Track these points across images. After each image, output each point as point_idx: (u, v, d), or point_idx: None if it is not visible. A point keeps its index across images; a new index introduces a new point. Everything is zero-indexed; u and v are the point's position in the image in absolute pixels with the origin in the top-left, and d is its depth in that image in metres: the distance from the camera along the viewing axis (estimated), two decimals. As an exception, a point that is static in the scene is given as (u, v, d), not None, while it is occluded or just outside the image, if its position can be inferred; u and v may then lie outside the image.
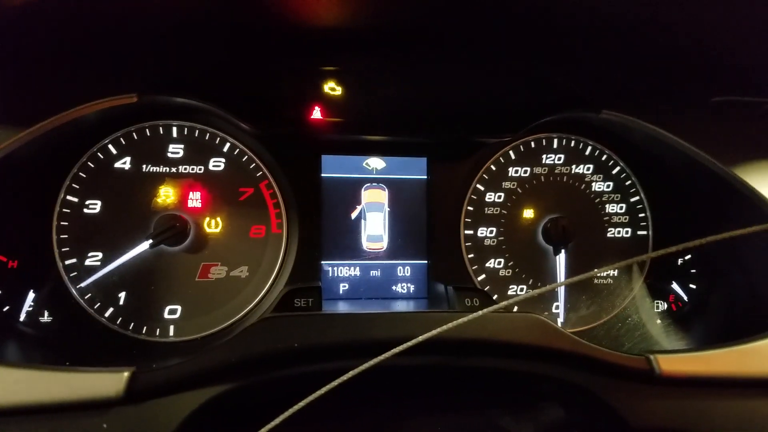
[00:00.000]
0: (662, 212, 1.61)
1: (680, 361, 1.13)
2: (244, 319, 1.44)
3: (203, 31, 1.25)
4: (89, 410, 0.95)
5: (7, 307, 1.28)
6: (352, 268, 1.53)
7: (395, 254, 1.55)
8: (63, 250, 1.37)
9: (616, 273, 1.59)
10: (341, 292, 1.52)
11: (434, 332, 0.96)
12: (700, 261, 1.55)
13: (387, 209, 1.55)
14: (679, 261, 1.58)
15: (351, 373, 0.90)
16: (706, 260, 1.53)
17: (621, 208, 1.61)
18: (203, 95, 1.33)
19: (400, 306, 1.48)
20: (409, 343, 0.94)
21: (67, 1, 1.00)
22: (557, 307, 1.56)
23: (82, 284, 1.37)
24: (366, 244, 1.54)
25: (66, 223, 1.37)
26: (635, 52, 1.32)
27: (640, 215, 1.62)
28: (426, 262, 1.55)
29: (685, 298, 1.57)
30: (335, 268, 1.52)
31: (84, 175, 1.38)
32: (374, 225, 1.54)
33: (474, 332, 1.06)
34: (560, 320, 1.55)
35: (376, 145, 1.53)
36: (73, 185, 1.38)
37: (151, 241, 1.35)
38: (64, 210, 1.37)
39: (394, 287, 1.54)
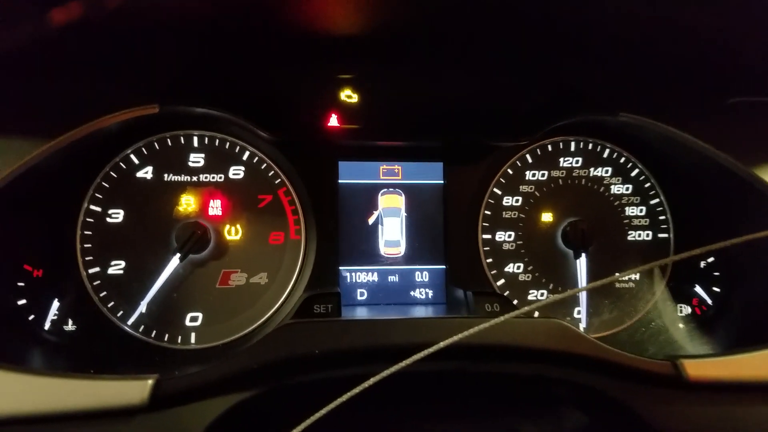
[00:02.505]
0: (683, 214, 1.59)
1: (707, 366, 1.11)
2: (264, 326, 1.45)
3: (221, 41, 1.26)
4: (114, 418, 0.96)
5: (32, 316, 1.31)
6: (370, 274, 1.53)
7: (413, 259, 1.55)
8: (86, 258, 1.39)
9: (637, 276, 1.58)
10: (360, 297, 1.52)
11: (456, 338, 0.95)
12: (723, 263, 1.53)
13: (404, 214, 1.55)
14: (702, 264, 1.56)
15: (372, 380, 0.91)
16: (729, 262, 1.51)
17: (641, 210, 1.60)
18: (223, 105, 1.34)
19: (419, 312, 1.48)
20: (431, 349, 0.94)
21: (89, 15, 1.02)
22: (579, 312, 1.55)
23: (130, 320, 1.40)
24: (383, 250, 1.54)
25: (89, 233, 1.39)
26: (652, 53, 1.31)
27: (661, 218, 1.60)
28: (444, 267, 1.55)
29: (709, 301, 1.54)
30: (353, 274, 1.53)
31: (107, 185, 1.41)
32: (391, 230, 1.54)
33: (496, 338, 1.06)
34: (582, 325, 1.54)
35: (393, 150, 1.54)
36: (97, 195, 1.40)
37: (179, 255, 1.37)
38: (87, 219, 1.39)
39: (412, 292, 1.54)
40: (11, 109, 1.18)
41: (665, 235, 1.60)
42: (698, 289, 1.56)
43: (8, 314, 1.26)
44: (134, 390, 0.96)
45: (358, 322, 1.15)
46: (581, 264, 1.52)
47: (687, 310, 1.57)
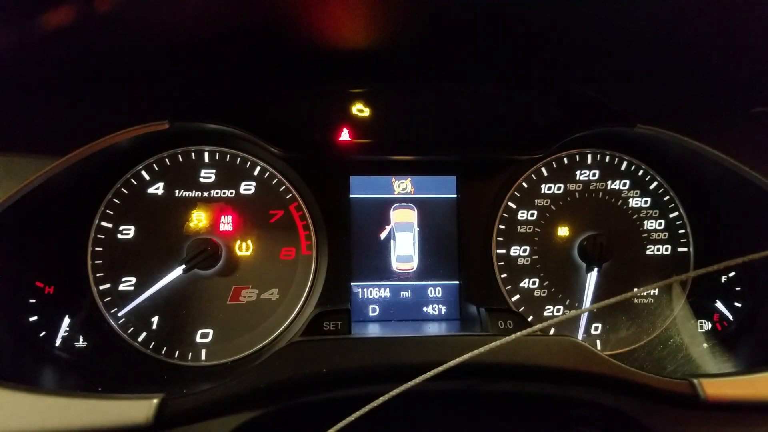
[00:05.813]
0: (703, 228, 1.55)
1: (726, 385, 1.07)
2: (274, 343, 1.44)
3: (233, 57, 1.26)
4: (119, 437, 0.95)
5: (43, 333, 1.31)
6: (382, 290, 1.51)
7: (426, 275, 1.52)
8: (97, 275, 1.39)
9: (656, 292, 1.54)
10: (371, 314, 1.50)
11: (466, 356, 0.94)
12: (744, 278, 1.49)
13: (416, 229, 1.53)
14: (723, 278, 1.51)
15: (380, 400, 0.89)
16: (751, 277, 1.47)
17: (660, 224, 1.56)
18: (233, 121, 1.34)
19: (432, 328, 1.46)
20: (441, 368, 0.92)
21: (99, 31, 1.02)
22: (596, 329, 1.51)
23: (120, 313, 1.39)
24: (396, 265, 1.52)
25: (100, 249, 1.40)
26: (669, 64, 1.29)
27: (680, 231, 1.56)
28: (457, 282, 1.53)
29: (730, 317, 1.50)
30: (365, 290, 1.51)
31: (118, 201, 1.41)
32: (404, 245, 1.52)
33: (508, 356, 1.03)
34: (599, 342, 1.50)
35: (405, 165, 1.52)
36: (108, 211, 1.40)
37: (184, 266, 1.36)
38: (98, 236, 1.40)
39: (425, 309, 1.52)
40: (22, 126, 1.19)
41: (685, 249, 1.56)
42: (719, 304, 1.51)
43: (20, 331, 1.26)
44: (139, 409, 0.95)
45: (366, 339, 1.12)
46: (591, 278, 1.48)
47: (707, 326, 1.52)
